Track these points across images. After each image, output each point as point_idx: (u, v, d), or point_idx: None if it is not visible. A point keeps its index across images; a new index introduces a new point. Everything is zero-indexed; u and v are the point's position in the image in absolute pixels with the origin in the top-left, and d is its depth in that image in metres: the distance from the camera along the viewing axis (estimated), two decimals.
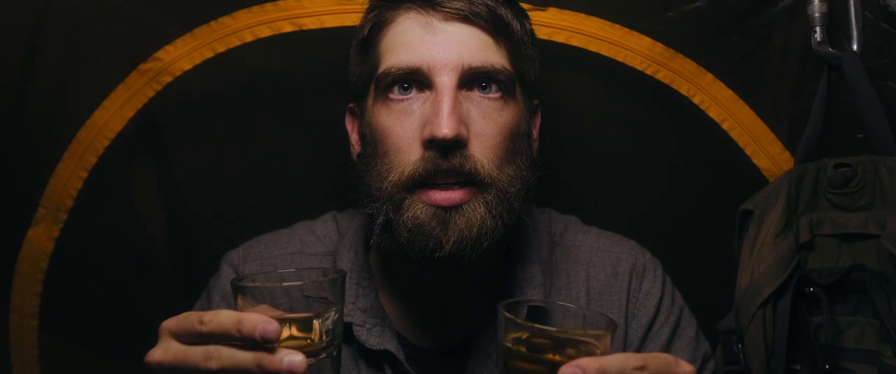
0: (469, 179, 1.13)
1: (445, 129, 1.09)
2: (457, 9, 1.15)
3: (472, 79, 1.15)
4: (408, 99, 1.16)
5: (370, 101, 1.21)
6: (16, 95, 1.58)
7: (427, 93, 1.15)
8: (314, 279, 0.98)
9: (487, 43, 1.17)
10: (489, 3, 1.17)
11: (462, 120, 1.13)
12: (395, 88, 1.17)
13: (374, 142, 1.19)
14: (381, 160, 1.17)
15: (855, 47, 1.49)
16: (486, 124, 1.15)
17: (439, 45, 1.15)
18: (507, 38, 1.19)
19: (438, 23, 1.16)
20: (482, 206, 1.13)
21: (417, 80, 1.15)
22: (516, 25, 1.21)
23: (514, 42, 1.20)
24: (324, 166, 1.60)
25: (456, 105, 1.12)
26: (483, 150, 1.14)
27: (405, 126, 1.15)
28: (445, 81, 1.13)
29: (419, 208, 1.13)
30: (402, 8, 1.19)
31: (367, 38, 1.23)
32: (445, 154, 1.12)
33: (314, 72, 1.57)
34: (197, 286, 1.43)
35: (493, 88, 1.17)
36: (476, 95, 1.16)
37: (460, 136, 1.11)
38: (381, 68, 1.17)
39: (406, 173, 1.13)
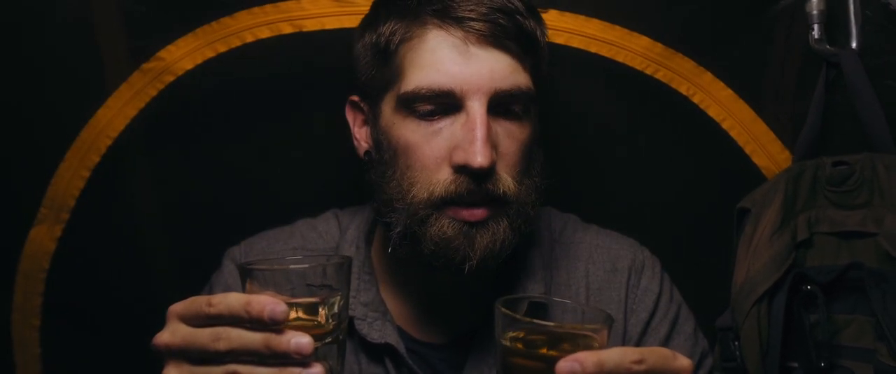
0: (494, 198, 1.15)
1: (481, 158, 1.10)
2: (487, 31, 1.13)
3: (499, 101, 1.15)
4: (435, 118, 1.16)
5: (388, 108, 1.20)
6: (18, 94, 1.58)
7: (455, 114, 1.15)
8: (321, 263, 0.98)
9: (516, 66, 1.16)
10: (518, 18, 1.16)
11: (493, 145, 1.14)
12: (423, 107, 1.16)
13: (394, 153, 1.19)
14: (403, 173, 1.17)
15: (854, 45, 1.49)
16: (509, 143, 1.17)
17: (472, 70, 1.13)
18: (533, 55, 1.19)
19: (471, 47, 1.14)
20: (505, 220, 1.16)
21: (447, 101, 1.15)
22: (541, 36, 1.21)
23: (538, 56, 1.21)
24: (324, 166, 1.60)
25: (489, 133, 1.13)
26: (507, 168, 1.16)
27: (433, 145, 1.15)
28: (477, 107, 1.13)
29: (446, 223, 1.14)
30: (430, 24, 1.16)
31: (388, 47, 1.20)
32: (478, 181, 1.13)
33: (314, 73, 1.58)
34: (198, 284, 1.43)
35: (518, 108, 1.17)
36: (502, 116, 1.17)
37: (493, 161, 1.13)
38: (410, 86, 1.15)
39: (436, 193, 1.14)
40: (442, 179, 1.14)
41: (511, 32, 1.14)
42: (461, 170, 1.13)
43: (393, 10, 1.21)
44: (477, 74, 1.13)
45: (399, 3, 1.20)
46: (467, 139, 1.12)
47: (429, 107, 1.15)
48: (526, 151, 1.19)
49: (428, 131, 1.16)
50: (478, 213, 1.14)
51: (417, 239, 1.16)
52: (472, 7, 1.13)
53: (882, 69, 1.50)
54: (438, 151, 1.15)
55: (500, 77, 1.14)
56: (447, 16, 1.14)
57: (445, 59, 1.14)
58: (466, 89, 1.13)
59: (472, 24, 1.13)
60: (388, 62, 1.20)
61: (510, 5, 1.15)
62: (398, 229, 1.17)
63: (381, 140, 1.22)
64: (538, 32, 1.19)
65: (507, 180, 1.15)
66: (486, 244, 1.14)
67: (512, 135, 1.17)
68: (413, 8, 1.18)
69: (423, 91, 1.14)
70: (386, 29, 1.20)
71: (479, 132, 1.11)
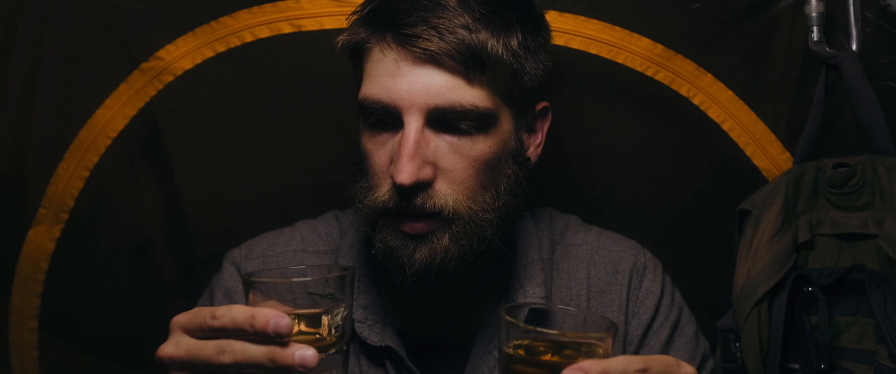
0: (433, 214, 1.14)
1: (403, 175, 1.10)
2: (425, 49, 1.11)
3: (440, 116, 1.14)
4: (383, 130, 1.17)
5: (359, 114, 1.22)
6: (16, 93, 1.58)
7: (399, 128, 1.15)
8: (324, 275, 0.99)
9: (457, 83, 1.13)
10: (464, 35, 1.11)
11: (426, 161, 1.13)
12: (370, 118, 1.17)
13: (359, 156, 1.21)
14: (364, 177, 1.20)
15: (854, 47, 1.49)
16: (455, 159, 1.15)
17: (406, 87, 1.12)
18: (483, 70, 1.14)
19: (407, 65, 1.13)
20: (446, 236, 1.15)
21: (389, 114, 1.15)
22: (500, 49, 1.14)
23: (498, 68, 1.15)
24: (324, 165, 1.60)
25: (418, 149, 1.12)
26: (451, 184, 1.15)
27: (380, 154, 1.17)
28: (411, 123, 1.12)
29: (389, 232, 1.16)
30: (375, 37, 1.16)
31: (347, 53, 1.22)
32: (405, 196, 1.13)
33: (313, 73, 1.58)
34: (198, 286, 1.43)
35: (464, 125, 1.15)
36: (446, 132, 1.15)
37: (420, 179, 1.11)
38: (360, 94, 1.18)
39: (379, 202, 1.15)
40: (385, 188, 1.15)
41: (452, 50, 1.11)
42: (394, 184, 1.13)
43: (357, 16, 1.21)
44: (410, 91, 1.12)
45: (362, 10, 1.21)
46: (397, 155, 1.12)
47: (375, 119, 1.16)
48: (481, 168, 1.16)
49: (377, 141, 1.17)
50: (418, 226, 1.14)
51: (371, 243, 1.19)
52: (411, 21, 1.12)
53: (882, 71, 1.50)
54: (383, 161, 1.16)
55: (437, 93, 1.12)
56: (388, 30, 1.14)
57: (383, 72, 1.14)
58: (401, 105, 1.13)
59: (411, 39, 1.12)
60: (354, 68, 1.22)
61: (456, 21, 1.12)
62: (363, 229, 1.21)
63: (357, 143, 1.23)
64: (491, 44, 1.13)
65: (446, 196, 1.14)
66: (423, 258, 1.14)
67: (459, 151, 1.15)
68: (366, 18, 1.18)
69: (366, 102, 1.15)
70: (349, 36, 1.21)
71: (405, 149, 1.11)
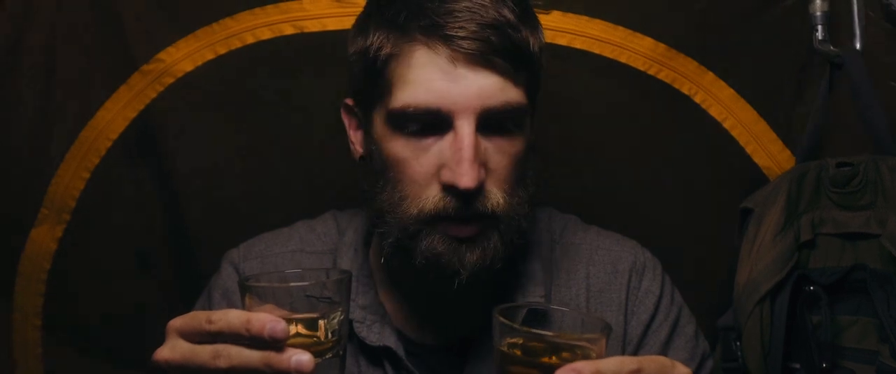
0: (484, 215, 1.14)
1: (467, 179, 1.09)
2: (476, 50, 1.10)
3: (489, 118, 1.13)
4: (424, 136, 1.14)
5: (379, 120, 1.19)
6: (17, 95, 1.58)
7: (444, 132, 1.13)
8: (321, 280, 0.99)
9: (506, 84, 1.13)
10: (511, 34, 1.12)
11: (482, 164, 1.13)
12: (411, 125, 1.15)
13: (385, 165, 1.18)
14: (393, 186, 1.17)
15: (857, 46, 1.49)
16: (499, 158, 1.15)
17: (460, 90, 1.11)
18: (526, 67, 1.16)
19: (459, 67, 1.11)
20: (495, 235, 1.15)
21: (435, 119, 1.13)
22: (535, 45, 1.17)
23: (532, 66, 1.17)
24: (324, 167, 1.60)
25: (477, 152, 1.11)
26: (497, 183, 1.15)
27: (422, 162, 1.14)
28: (465, 126, 1.11)
29: (437, 239, 1.14)
30: (417, 41, 1.13)
31: (376, 60, 1.18)
32: (466, 200, 1.12)
33: (315, 75, 1.58)
34: (197, 285, 1.43)
35: (509, 124, 1.15)
36: (492, 132, 1.15)
37: (480, 181, 1.11)
38: (398, 103, 1.14)
39: (426, 210, 1.13)
40: (431, 195, 1.13)
41: (500, 49, 1.11)
42: (449, 189, 1.12)
43: (381, 21, 1.18)
44: (464, 94, 1.11)
45: (387, 14, 1.17)
46: (454, 159, 1.11)
47: (417, 125, 1.14)
48: (518, 165, 1.17)
49: (417, 147, 1.14)
50: (467, 230, 1.13)
51: (409, 252, 1.16)
52: (460, 24, 1.10)
53: (885, 70, 1.50)
54: (428, 167, 1.14)
55: (489, 95, 1.11)
56: (434, 33, 1.12)
57: (433, 77, 1.12)
58: (454, 109, 1.11)
59: (459, 42, 1.10)
60: (377, 75, 1.18)
61: (501, 19, 1.12)
62: (390, 240, 1.17)
63: (374, 151, 1.21)
64: (531, 42, 1.16)
65: (496, 196, 1.14)
66: (476, 260, 1.14)
67: (503, 150, 1.15)
68: (401, 22, 1.15)
69: (411, 110, 1.12)
70: (374, 41, 1.18)
71: (466, 153, 1.10)
